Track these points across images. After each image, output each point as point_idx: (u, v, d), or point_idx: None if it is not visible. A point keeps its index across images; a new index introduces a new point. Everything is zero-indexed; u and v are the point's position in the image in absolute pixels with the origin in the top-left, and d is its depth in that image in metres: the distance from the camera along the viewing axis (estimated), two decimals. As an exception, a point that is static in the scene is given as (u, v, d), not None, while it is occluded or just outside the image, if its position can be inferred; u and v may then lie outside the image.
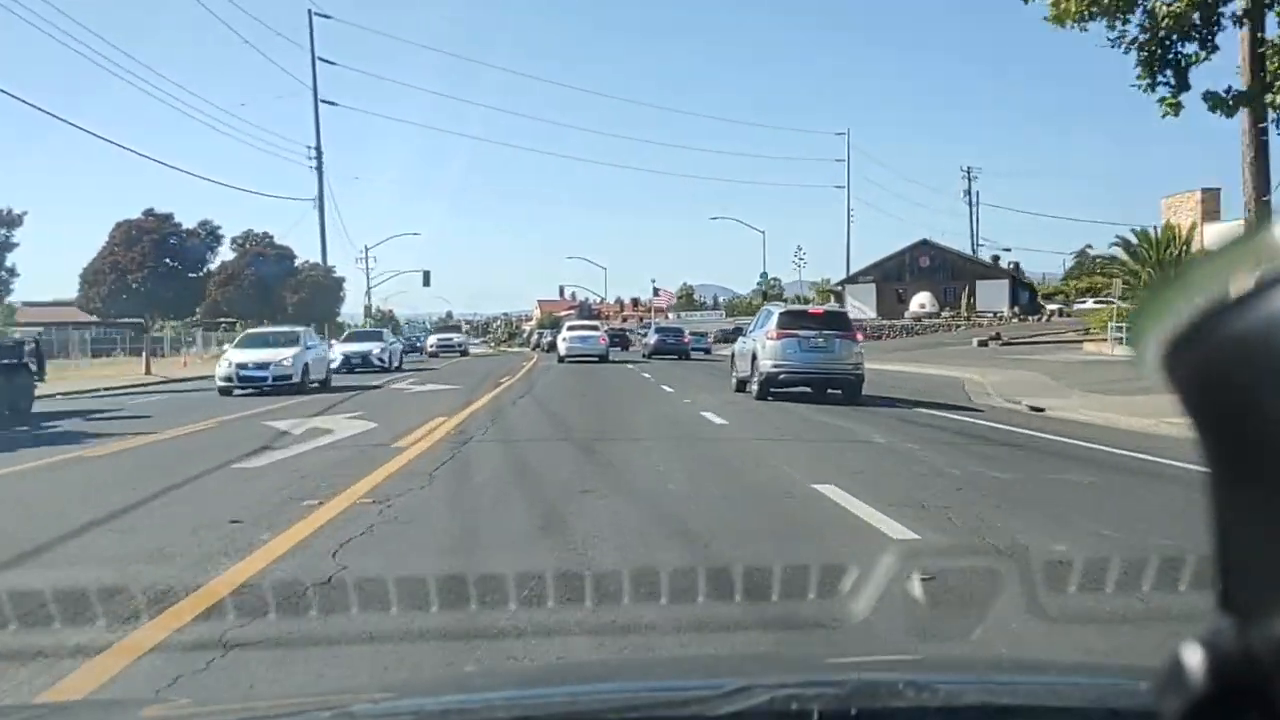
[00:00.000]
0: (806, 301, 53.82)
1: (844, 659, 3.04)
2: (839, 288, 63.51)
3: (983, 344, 40.03)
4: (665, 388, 21.17)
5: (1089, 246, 74.61)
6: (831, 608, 4.13)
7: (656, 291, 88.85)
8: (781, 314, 17.79)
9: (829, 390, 16.87)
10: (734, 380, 19.22)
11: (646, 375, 26.20)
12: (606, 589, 4.47)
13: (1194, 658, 0.56)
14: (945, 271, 61.68)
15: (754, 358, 17.37)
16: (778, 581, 4.41)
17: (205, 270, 40.41)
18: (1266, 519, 0.53)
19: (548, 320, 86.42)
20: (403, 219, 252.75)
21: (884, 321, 55.61)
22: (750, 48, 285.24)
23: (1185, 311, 0.54)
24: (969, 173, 73.16)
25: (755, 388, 17.18)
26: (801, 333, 16.76)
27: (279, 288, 44.68)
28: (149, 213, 37.31)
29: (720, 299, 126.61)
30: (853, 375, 16.88)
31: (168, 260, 36.77)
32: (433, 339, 54.39)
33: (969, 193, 72.58)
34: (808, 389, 16.80)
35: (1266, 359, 0.51)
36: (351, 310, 68.34)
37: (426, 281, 69.36)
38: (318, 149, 53.66)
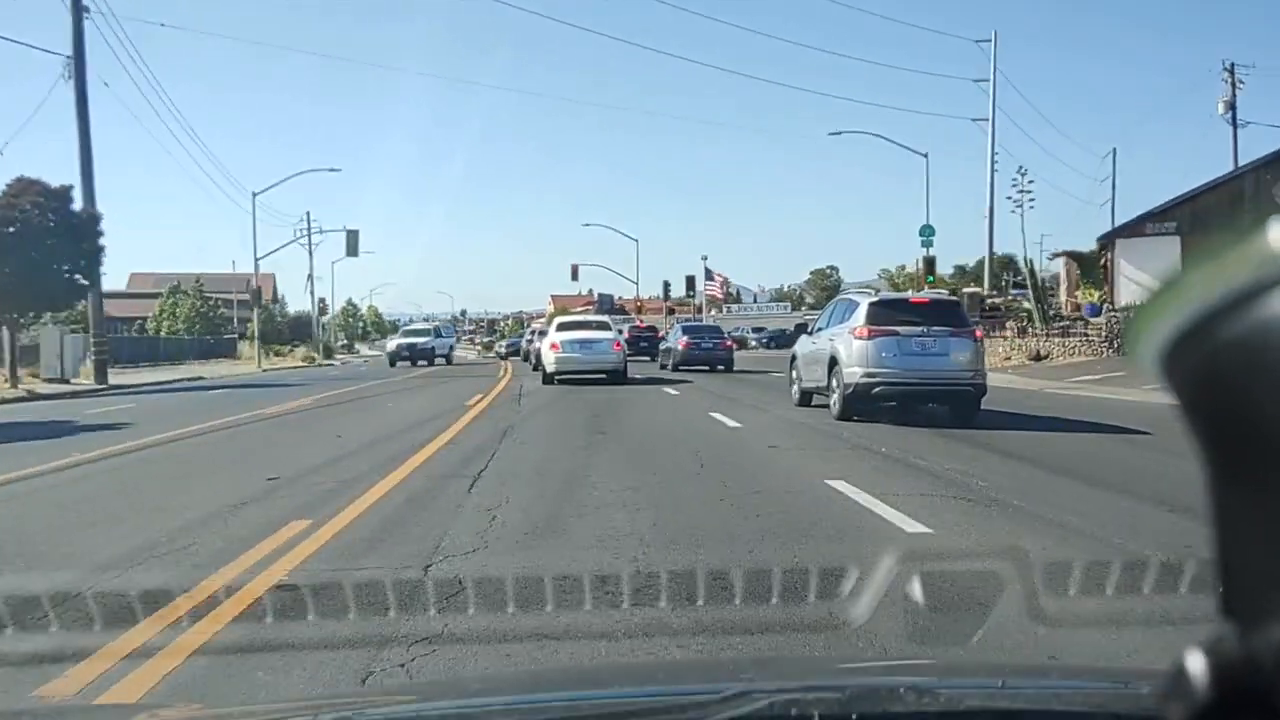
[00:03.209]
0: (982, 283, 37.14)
1: (844, 663, 3.04)
2: (1102, 244, 35.31)
3: None
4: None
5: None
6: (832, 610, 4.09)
7: (710, 275, 63.33)
8: (872, 304, 13.51)
9: (929, 404, 13.10)
10: (795, 392, 15.39)
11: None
12: None
13: (1197, 664, 0.56)
14: (1326, 206, 31.23)
15: (832, 363, 13.42)
16: (778, 585, 4.39)
17: None
18: (1267, 523, 0.53)
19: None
20: (403, 214, 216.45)
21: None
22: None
23: (1184, 313, 0.54)
24: (1233, 73, 42.69)
25: (837, 404, 13.10)
26: (902, 329, 12.79)
27: None
28: None
29: (755, 297, 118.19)
30: (969, 386, 12.84)
31: None
32: None
33: (1231, 105, 42.46)
34: (892, 403, 12.95)
35: (1265, 362, 0.50)
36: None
37: (353, 248, 50.80)
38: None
